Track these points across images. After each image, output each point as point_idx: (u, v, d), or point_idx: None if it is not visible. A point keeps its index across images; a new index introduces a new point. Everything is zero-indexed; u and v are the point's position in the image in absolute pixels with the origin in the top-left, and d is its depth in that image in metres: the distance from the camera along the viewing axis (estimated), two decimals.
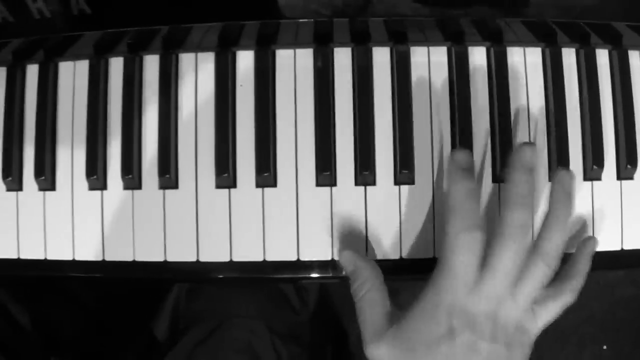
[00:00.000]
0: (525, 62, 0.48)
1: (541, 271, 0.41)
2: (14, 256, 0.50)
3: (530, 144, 0.43)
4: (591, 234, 0.47)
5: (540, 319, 0.42)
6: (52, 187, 0.50)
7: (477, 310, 0.40)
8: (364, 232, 0.47)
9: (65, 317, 0.72)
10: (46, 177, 0.50)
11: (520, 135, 0.47)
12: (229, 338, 0.55)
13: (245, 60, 0.49)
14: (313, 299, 0.65)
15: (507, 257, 0.39)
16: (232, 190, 0.48)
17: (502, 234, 0.40)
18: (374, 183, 0.47)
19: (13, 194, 0.50)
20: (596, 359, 0.97)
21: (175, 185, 0.48)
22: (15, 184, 0.50)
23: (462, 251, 0.39)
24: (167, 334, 0.61)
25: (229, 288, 0.58)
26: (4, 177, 0.50)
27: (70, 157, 0.50)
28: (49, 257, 0.50)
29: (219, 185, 0.48)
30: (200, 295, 0.59)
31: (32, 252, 0.50)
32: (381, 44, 0.48)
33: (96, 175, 0.49)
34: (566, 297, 0.43)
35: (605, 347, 0.98)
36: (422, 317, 0.40)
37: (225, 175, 0.47)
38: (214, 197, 0.48)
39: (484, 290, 0.40)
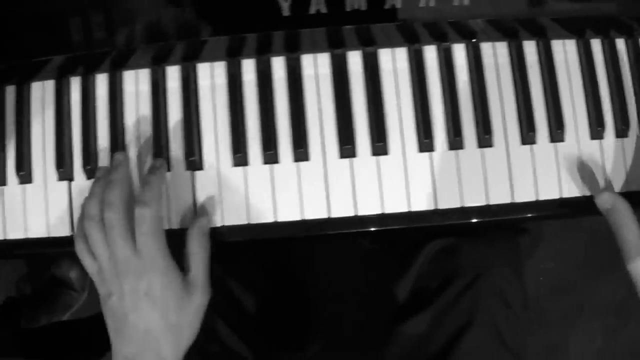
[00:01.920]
0: None
1: None
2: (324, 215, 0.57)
3: None
4: None
5: None
6: (385, 152, 0.57)
7: None
8: (603, 178, 0.58)
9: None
10: (384, 144, 0.57)
11: None
12: (487, 286, 0.64)
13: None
14: None
15: None
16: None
17: None
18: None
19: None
20: None
21: (490, 144, 0.58)
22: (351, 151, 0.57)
23: None
24: (409, 294, 0.69)
25: (480, 243, 0.66)
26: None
27: (400, 126, 0.58)
28: (387, 211, 0.57)
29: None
30: (454, 253, 0.66)
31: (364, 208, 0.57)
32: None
33: (429, 139, 0.57)
34: None
35: None
36: None
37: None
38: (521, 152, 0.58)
39: None
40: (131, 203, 0.51)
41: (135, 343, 0.50)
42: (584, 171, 0.58)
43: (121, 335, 0.50)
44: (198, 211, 0.56)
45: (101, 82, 0.60)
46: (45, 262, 1.13)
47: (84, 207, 0.54)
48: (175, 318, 0.50)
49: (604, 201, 0.55)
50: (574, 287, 1.06)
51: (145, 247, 0.50)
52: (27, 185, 0.60)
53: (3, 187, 0.61)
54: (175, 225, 0.57)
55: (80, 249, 0.53)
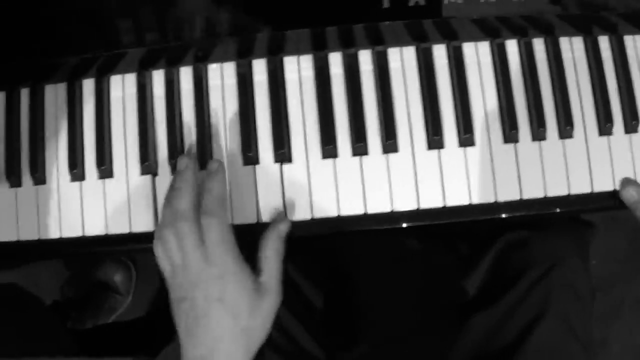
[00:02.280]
0: None
1: None
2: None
3: None
4: None
5: None
6: (472, 143, 0.58)
7: None
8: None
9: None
10: (470, 135, 0.58)
11: None
12: (559, 278, 0.65)
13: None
14: None
15: None
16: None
17: None
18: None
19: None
20: None
21: (571, 135, 0.59)
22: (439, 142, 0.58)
23: None
24: (479, 288, 0.70)
25: (551, 236, 0.67)
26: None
27: (485, 119, 0.59)
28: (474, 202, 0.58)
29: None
30: (526, 245, 0.68)
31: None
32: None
33: (515, 130, 0.58)
34: None
35: None
36: None
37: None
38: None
39: None
40: None
41: (206, 345, 0.49)
42: None
43: (192, 338, 0.50)
44: (275, 215, 0.57)
45: (185, 75, 0.60)
46: (87, 266, 1.12)
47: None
48: (247, 322, 0.50)
49: (629, 195, 0.56)
50: (614, 283, 1.08)
51: (215, 256, 0.50)
52: (107, 180, 0.60)
53: (82, 182, 0.60)
54: (265, 219, 0.57)
55: (158, 252, 0.52)
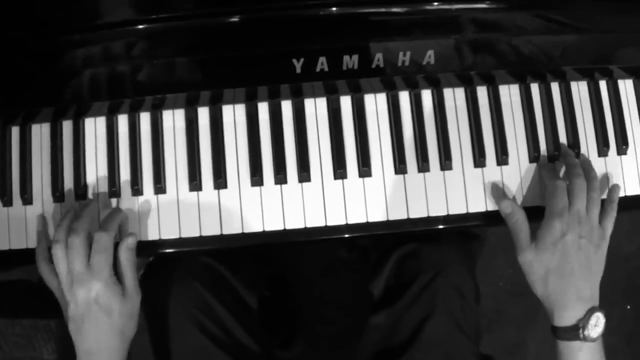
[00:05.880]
0: None
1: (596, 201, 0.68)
2: None
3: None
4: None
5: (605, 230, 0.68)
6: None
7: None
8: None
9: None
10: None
11: None
12: (445, 282, 0.76)
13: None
14: None
15: (580, 195, 0.67)
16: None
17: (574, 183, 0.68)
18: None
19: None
20: (622, 317, 1.30)
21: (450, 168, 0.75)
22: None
23: (559, 191, 0.67)
24: (383, 290, 0.82)
25: (438, 247, 0.79)
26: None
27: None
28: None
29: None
30: (418, 256, 0.79)
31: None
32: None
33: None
34: (611, 220, 0.70)
35: (628, 307, 1.31)
36: (547, 230, 0.66)
37: (481, 159, 0.75)
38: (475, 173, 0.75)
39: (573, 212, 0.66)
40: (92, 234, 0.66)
41: (91, 340, 0.64)
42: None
43: (80, 335, 0.64)
44: (124, 232, 0.71)
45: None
46: None
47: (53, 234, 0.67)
48: (119, 318, 0.65)
49: (505, 206, 0.70)
50: (529, 290, 1.22)
51: (96, 262, 0.64)
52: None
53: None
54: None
55: (43, 269, 0.67)
